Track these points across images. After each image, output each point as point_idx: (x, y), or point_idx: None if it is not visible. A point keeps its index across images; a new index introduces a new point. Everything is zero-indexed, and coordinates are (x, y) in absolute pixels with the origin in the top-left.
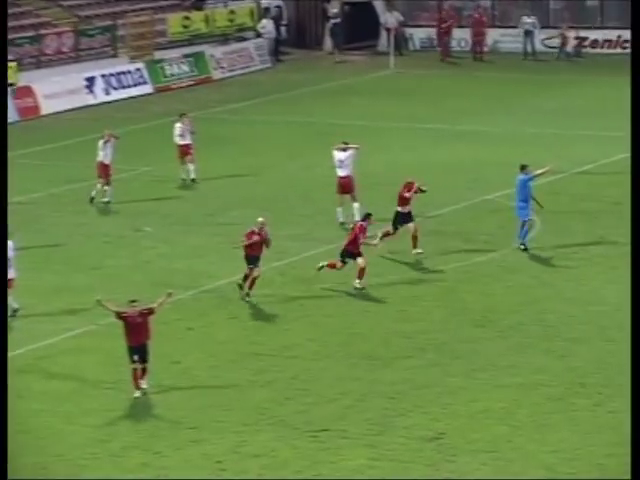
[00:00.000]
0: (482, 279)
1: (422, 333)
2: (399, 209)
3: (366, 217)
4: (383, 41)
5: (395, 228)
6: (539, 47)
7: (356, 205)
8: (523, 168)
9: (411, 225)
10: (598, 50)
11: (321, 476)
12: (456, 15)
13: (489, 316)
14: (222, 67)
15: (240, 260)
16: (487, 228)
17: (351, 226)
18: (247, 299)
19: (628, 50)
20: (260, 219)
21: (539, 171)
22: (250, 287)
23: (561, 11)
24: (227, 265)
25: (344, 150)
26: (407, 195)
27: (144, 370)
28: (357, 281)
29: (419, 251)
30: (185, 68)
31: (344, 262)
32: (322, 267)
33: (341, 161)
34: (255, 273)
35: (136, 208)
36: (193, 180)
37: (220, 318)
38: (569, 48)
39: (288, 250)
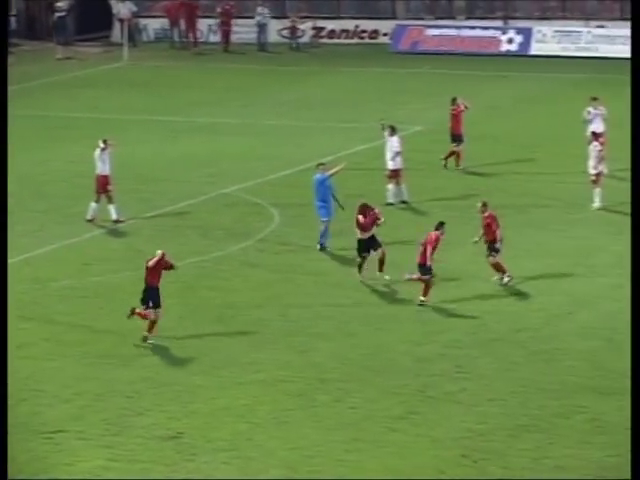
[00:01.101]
0: (221, 274)
1: (161, 330)
2: (359, 236)
3: (440, 226)
4: (116, 32)
5: (362, 257)
6: (276, 38)
7: (93, 204)
8: (319, 167)
9: (379, 251)
10: (335, 40)
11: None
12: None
13: (229, 312)
14: None
15: None
16: (225, 222)
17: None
18: (148, 341)
19: (366, 40)
20: (159, 251)
21: (333, 170)
22: (150, 331)
23: (297, 1)
24: None
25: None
26: (362, 221)
27: None
28: (422, 298)
29: (386, 277)
30: None
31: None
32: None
33: (95, 159)
34: (153, 316)
35: None
36: None
37: None
38: (306, 38)
39: (21, 247)
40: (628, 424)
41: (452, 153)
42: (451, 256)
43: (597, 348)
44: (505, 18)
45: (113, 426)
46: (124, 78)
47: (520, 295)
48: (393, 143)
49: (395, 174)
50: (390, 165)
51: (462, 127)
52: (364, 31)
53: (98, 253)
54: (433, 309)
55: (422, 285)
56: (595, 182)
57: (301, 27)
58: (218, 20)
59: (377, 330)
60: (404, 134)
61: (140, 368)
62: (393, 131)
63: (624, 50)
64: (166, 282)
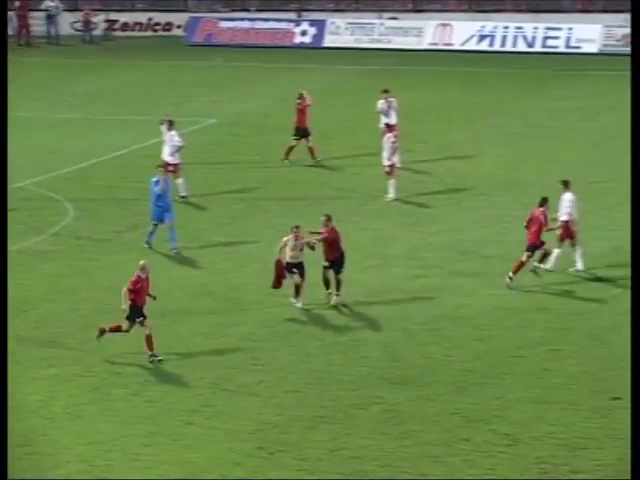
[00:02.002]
0: (14, 269)
1: None
2: (289, 260)
3: (544, 202)
4: None
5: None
6: (69, 31)
7: None
8: (158, 168)
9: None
10: (129, 33)
11: None
12: None
13: (22, 307)
14: None
15: None
16: (19, 216)
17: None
18: (155, 359)
19: (159, 33)
20: (142, 262)
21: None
22: (150, 348)
23: None
24: None
25: None
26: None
27: None
28: (540, 265)
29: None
30: None
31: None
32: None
33: None
34: (147, 328)
35: None
36: None
37: None
38: (99, 31)
39: None
40: (422, 413)
41: (291, 148)
42: (245, 247)
43: (392, 339)
44: (299, 10)
45: None
46: None
47: (315, 286)
48: (174, 137)
49: (175, 168)
50: (169, 159)
51: (308, 121)
52: (157, 24)
53: None
54: (228, 302)
55: (516, 263)
56: (389, 173)
57: (94, 20)
58: (16, 14)
59: (173, 323)
60: (199, 127)
61: None
62: (171, 125)
63: (416, 42)
64: None
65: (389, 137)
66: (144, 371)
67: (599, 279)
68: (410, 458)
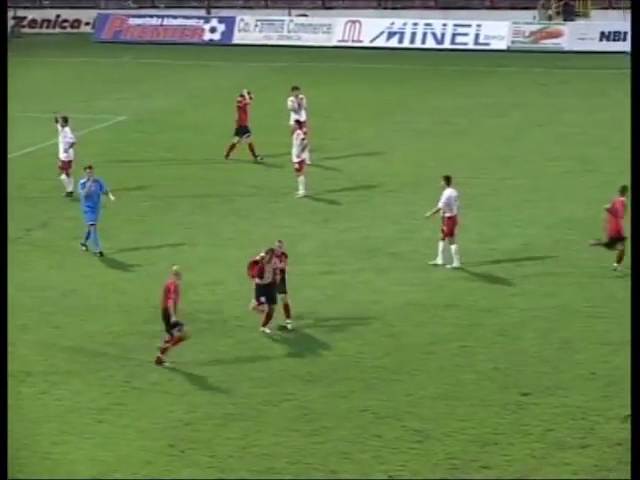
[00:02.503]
0: None
1: None
2: (258, 281)
3: (624, 191)
4: None
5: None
6: None
7: None
8: (86, 170)
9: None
10: (37, 30)
11: None
12: None
13: None
14: None
15: None
16: None
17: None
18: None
19: (68, 30)
20: (175, 267)
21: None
22: (170, 346)
23: None
24: None
25: None
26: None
27: None
28: (615, 265)
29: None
30: None
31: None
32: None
33: None
34: (180, 334)
35: None
36: None
37: None
38: (8, 28)
39: None
40: (333, 410)
41: (233, 146)
42: (155, 245)
43: (303, 335)
44: (208, 7)
45: None
46: None
47: (223, 284)
48: (67, 134)
49: (68, 165)
50: (63, 157)
51: (248, 119)
52: (66, 21)
53: None
54: (139, 300)
55: (617, 253)
56: (299, 170)
57: None
58: None
59: (82, 321)
60: (108, 124)
61: None
62: (65, 122)
63: (326, 39)
64: None
65: (298, 134)
66: (53, 369)
67: (507, 275)
68: (321, 455)
